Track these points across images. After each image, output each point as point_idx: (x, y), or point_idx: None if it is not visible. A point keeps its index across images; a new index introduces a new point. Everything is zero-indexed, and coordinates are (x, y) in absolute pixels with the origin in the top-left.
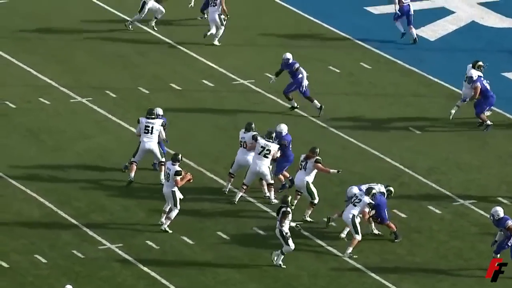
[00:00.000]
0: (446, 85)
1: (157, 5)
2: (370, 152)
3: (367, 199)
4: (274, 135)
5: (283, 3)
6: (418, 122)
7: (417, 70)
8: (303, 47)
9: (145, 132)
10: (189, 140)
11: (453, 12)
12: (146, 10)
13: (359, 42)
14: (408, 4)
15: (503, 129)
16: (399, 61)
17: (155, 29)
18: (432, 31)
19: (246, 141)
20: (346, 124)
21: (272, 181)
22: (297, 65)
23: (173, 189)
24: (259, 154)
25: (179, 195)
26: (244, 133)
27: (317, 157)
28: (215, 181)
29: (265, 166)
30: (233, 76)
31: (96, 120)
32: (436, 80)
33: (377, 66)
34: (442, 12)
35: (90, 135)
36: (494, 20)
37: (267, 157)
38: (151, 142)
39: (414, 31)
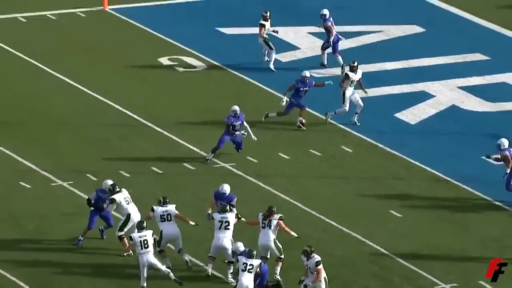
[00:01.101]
0: (427, 168)
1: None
2: (351, 235)
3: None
4: (228, 207)
5: (264, 86)
6: (399, 206)
7: (398, 153)
8: (289, 131)
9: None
10: None
11: (433, 96)
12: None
13: (341, 126)
14: (337, 34)
15: (484, 213)
16: (380, 145)
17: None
18: (412, 115)
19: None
20: (326, 206)
21: (233, 259)
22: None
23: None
24: (219, 228)
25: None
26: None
27: (281, 215)
28: (197, 265)
29: (227, 239)
30: (215, 160)
31: (77, 203)
32: (416, 163)
33: (358, 149)
34: (422, 96)
35: (71, 219)
36: (474, 104)
37: (228, 229)
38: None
39: (340, 58)
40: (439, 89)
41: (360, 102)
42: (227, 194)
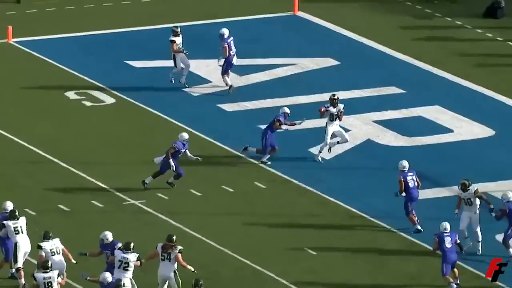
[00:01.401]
0: (342, 204)
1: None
2: (265, 273)
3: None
4: (132, 244)
5: (174, 121)
6: (314, 243)
7: (312, 189)
8: (200, 166)
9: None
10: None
11: (348, 130)
12: None
13: (251, 160)
14: (231, 58)
15: (400, 250)
16: (294, 180)
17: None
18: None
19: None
20: (239, 244)
21: None
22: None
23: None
24: (119, 268)
25: None
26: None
27: (180, 247)
28: None
29: (127, 279)
30: (123, 196)
31: None
32: (331, 199)
33: (272, 185)
34: None
35: None
36: (389, 138)
37: (127, 270)
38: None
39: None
40: (354, 123)
41: (346, 136)
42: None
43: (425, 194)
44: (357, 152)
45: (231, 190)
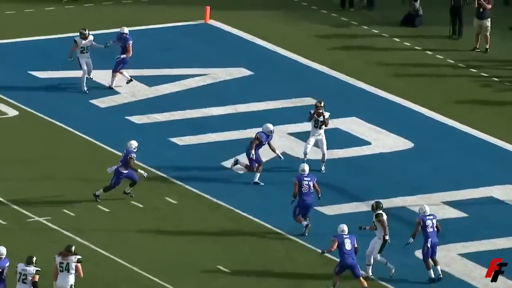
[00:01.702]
0: (256, 219)
1: None
2: None
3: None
4: (35, 258)
5: (81, 134)
6: (227, 260)
7: (225, 204)
8: (107, 181)
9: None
10: None
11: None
12: None
13: (161, 174)
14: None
15: (316, 267)
16: (206, 195)
17: None
18: (239, 163)
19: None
20: (149, 262)
21: None
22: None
23: None
24: (18, 280)
25: None
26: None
27: (79, 257)
28: None
29: None
30: (26, 213)
31: None
32: (245, 214)
33: (183, 201)
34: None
35: None
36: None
37: (25, 283)
38: None
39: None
40: None
41: (325, 149)
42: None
43: (342, 208)
44: (272, 165)
45: (141, 205)
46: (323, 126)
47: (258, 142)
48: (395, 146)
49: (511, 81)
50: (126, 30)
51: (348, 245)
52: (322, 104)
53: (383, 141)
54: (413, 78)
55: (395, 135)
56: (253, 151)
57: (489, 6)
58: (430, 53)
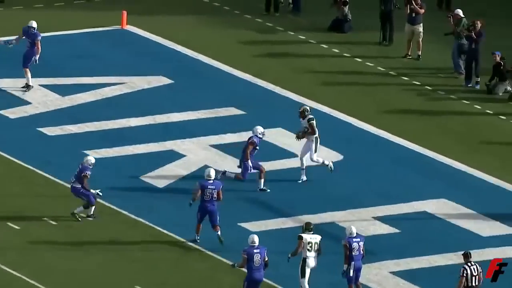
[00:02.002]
0: (176, 236)
1: None
2: None
3: None
4: None
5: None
6: (146, 279)
7: (144, 221)
8: (19, 197)
9: None
10: None
11: (183, 156)
12: None
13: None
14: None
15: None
16: (124, 212)
17: None
18: (160, 177)
19: None
20: (64, 282)
21: None
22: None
23: None
24: None
25: None
26: None
27: None
28: None
29: None
30: None
31: None
32: (165, 231)
33: (99, 217)
34: (171, 156)
35: None
36: (229, 163)
37: None
38: None
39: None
40: (190, 148)
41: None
42: None
43: (268, 225)
44: (194, 179)
45: (54, 222)
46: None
47: (252, 147)
48: (323, 158)
49: (445, 90)
50: (34, 24)
51: (257, 260)
52: (303, 109)
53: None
54: (342, 86)
55: (324, 147)
56: (249, 162)
57: (422, 11)
58: (359, 60)
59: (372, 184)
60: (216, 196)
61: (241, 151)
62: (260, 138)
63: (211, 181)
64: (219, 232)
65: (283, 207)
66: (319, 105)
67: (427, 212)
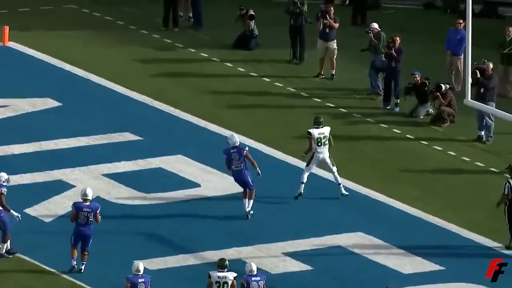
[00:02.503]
0: (64, 276)
1: None
2: None
3: None
4: None
5: None
6: None
7: (29, 258)
8: None
9: None
10: None
11: (73, 186)
12: None
13: None
14: None
15: None
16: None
17: None
18: (48, 210)
19: None
20: None
21: None
22: None
23: None
24: None
25: None
26: None
27: None
28: None
29: None
30: None
31: None
32: (51, 269)
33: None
34: (59, 187)
35: None
36: (123, 194)
37: None
38: None
39: None
40: (80, 177)
41: (334, 170)
42: None
43: (167, 262)
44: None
45: None
46: (325, 146)
47: (225, 161)
48: (228, 189)
49: (361, 113)
50: None
51: None
52: (321, 120)
53: (214, 183)
54: (249, 109)
55: (226, 175)
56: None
57: (336, 25)
58: (267, 80)
59: (282, 216)
60: (92, 219)
61: None
62: (233, 148)
63: (88, 203)
64: (84, 262)
65: (183, 243)
66: (222, 129)
67: (342, 247)
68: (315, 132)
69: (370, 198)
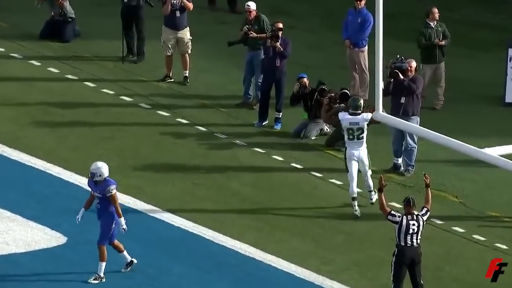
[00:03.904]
0: None
1: None
2: None
3: None
4: None
5: None
6: None
7: None
8: None
9: None
10: None
11: None
12: None
13: None
14: None
15: None
16: None
17: None
18: None
19: None
20: None
21: None
22: None
23: None
24: None
25: None
26: None
27: None
28: None
29: None
30: None
31: None
32: None
33: None
34: None
35: None
36: None
37: None
38: None
39: None
40: None
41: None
42: None
43: None
44: None
45: None
46: (360, 138)
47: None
48: (35, 243)
49: (227, 132)
50: None
51: None
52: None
53: (13, 235)
54: (63, 128)
55: (36, 224)
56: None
57: (191, 6)
58: (91, 85)
59: None
60: None
61: None
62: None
63: None
64: None
65: None
66: (23, 155)
67: None
68: (346, 118)
69: (241, 255)
